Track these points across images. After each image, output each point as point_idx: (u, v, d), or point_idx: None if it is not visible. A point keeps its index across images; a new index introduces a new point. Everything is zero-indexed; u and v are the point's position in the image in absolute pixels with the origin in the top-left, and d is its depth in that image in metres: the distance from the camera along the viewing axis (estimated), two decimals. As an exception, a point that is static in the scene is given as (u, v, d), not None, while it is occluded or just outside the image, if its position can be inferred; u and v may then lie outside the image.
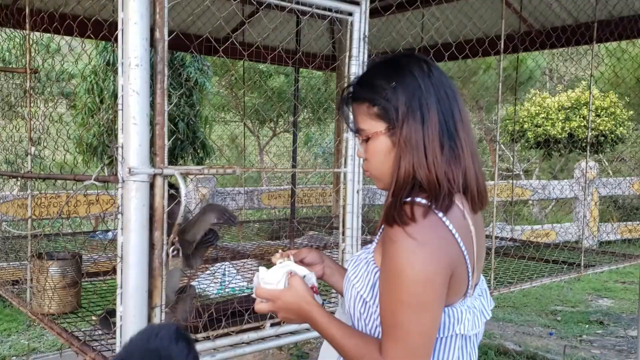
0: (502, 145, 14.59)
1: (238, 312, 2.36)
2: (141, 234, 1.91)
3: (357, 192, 2.53)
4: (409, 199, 1.30)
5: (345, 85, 1.55)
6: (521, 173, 15.07)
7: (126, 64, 1.88)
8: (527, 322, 6.99)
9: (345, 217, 2.52)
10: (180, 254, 2.02)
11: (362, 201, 2.54)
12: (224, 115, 12.38)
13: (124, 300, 1.92)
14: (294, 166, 4.14)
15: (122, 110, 1.89)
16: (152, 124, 1.94)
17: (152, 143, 1.98)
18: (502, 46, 3.15)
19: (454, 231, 1.28)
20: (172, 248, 2.00)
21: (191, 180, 8.23)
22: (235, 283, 6.30)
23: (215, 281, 5.69)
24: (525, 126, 12.91)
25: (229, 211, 2.18)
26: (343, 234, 2.55)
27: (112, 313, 2.15)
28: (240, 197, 8.33)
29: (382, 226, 1.38)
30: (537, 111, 12.85)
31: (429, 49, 3.29)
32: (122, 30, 1.89)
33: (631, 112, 12.56)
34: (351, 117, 1.47)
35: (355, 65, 2.50)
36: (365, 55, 2.52)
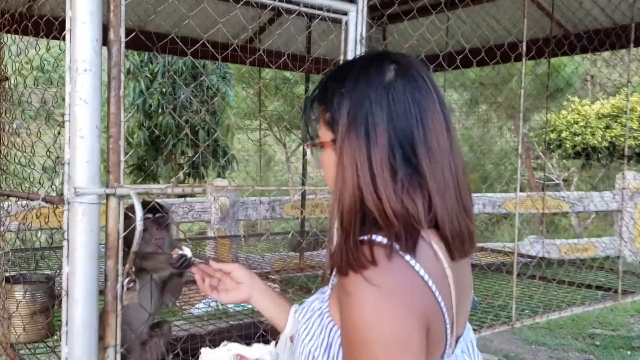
0: (539, 154, 14.07)
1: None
2: (90, 264, 1.66)
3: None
4: (365, 238, 1.02)
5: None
6: (561, 182, 14.50)
7: (73, 68, 1.64)
8: (562, 346, 6.54)
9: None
10: (138, 287, 1.76)
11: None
12: (249, 123, 12.22)
13: (69, 340, 1.67)
14: (303, 182, 3.86)
15: (68, 121, 1.65)
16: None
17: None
18: (525, 49, 2.83)
19: (426, 277, 0.99)
20: (127, 280, 1.75)
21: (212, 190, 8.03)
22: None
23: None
24: (563, 135, 12.38)
25: (185, 257, 1.88)
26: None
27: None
28: (262, 206, 8.10)
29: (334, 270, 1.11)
30: (575, 119, 12.30)
31: (455, 55, 3.00)
32: (70, 30, 1.65)
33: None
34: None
35: (352, 70, 2.22)
36: (364, 59, 2.24)
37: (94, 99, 1.64)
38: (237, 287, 1.41)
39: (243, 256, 7.31)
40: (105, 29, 1.69)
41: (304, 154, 3.84)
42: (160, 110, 7.66)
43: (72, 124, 1.64)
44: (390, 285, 0.96)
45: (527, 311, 3.29)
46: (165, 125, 7.65)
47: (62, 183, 1.67)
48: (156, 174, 8.13)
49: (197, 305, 5.21)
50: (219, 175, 8.63)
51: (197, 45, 2.26)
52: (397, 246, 0.99)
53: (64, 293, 1.67)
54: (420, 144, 1.06)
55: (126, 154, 1.73)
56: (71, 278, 1.66)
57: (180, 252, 1.86)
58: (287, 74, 9.94)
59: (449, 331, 1.04)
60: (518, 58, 3.54)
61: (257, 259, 7.02)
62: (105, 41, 1.70)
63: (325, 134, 1.15)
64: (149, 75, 7.69)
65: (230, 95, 8.59)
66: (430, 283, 0.99)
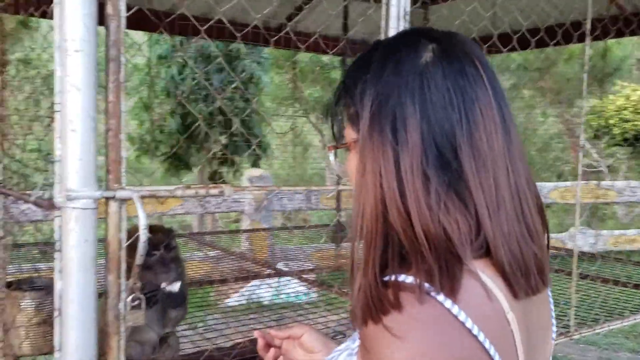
0: (585, 142, 13.44)
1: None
2: (85, 279, 1.41)
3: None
4: (390, 278, 0.76)
5: None
6: (605, 170, 13.86)
7: (62, 49, 1.38)
8: (612, 345, 6.15)
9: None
10: (144, 305, 1.51)
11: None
12: (285, 110, 11.96)
13: (63, 367, 1.44)
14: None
15: (59, 112, 1.40)
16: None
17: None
18: (589, 27, 2.46)
19: (469, 324, 0.72)
20: (131, 297, 1.50)
21: (247, 180, 7.83)
22: (291, 288, 5.82)
23: (269, 289, 5.24)
24: (612, 121, 11.77)
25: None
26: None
27: None
28: (297, 197, 7.86)
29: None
30: (624, 105, 11.66)
31: (512, 35, 2.67)
32: (59, 2, 1.39)
33: None
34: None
35: (394, 50, 1.91)
36: (407, 37, 1.93)
37: (87, 85, 1.39)
38: (310, 358, 1.18)
39: (278, 248, 7.10)
40: (101, 7, 1.43)
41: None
42: (193, 97, 7.46)
43: (62, 115, 1.39)
44: (420, 338, 0.71)
45: (583, 315, 2.96)
46: (198, 113, 7.45)
47: (53, 184, 1.43)
48: (188, 163, 7.95)
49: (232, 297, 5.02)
50: (254, 164, 8.42)
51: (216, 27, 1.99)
52: (428, 286, 0.73)
53: (56, 312, 1.43)
54: (463, 144, 0.80)
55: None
56: (64, 294, 1.41)
57: (168, 288, 1.64)
58: (325, 58, 9.64)
59: None
60: (570, 40, 3.18)
61: (295, 250, 6.80)
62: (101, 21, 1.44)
63: (349, 134, 0.93)
64: (180, 60, 7.49)
65: (265, 81, 8.35)
66: (475, 331, 0.72)
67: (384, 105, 0.82)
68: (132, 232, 1.52)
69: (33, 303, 2.13)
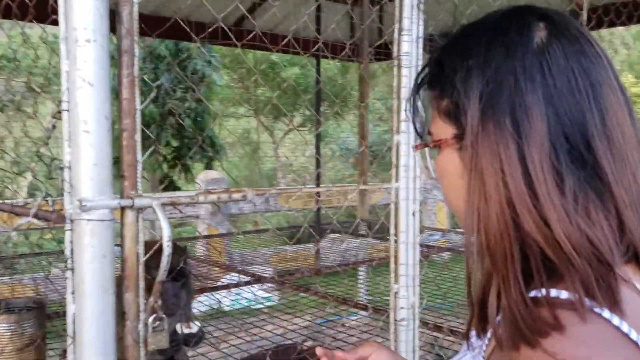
0: None
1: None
2: (103, 300, 1.24)
3: (414, 214, 1.84)
4: (538, 294, 0.66)
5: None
6: None
7: (71, 39, 1.21)
8: None
9: (399, 249, 1.84)
10: (166, 326, 1.35)
11: (419, 223, 1.86)
12: (234, 111, 11.72)
13: (79, 402, 1.26)
14: (318, 175, 3.46)
15: (67, 111, 1.22)
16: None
17: (118, 160, 1.32)
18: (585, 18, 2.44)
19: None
20: (152, 317, 1.34)
21: (198, 183, 7.60)
22: (251, 294, 5.66)
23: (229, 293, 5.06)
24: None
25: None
26: (395, 272, 1.87)
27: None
28: (255, 199, 7.68)
29: (488, 331, 0.77)
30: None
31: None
32: (65, -14, 1.22)
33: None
34: (424, 114, 0.89)
35: (408, 42, 1.81)
36: (421, 29, 1.84)
37: (101, 80, 1.22)
38: None
39: (238, 253, 6.92)
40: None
41: (318, 138, 3.42)
42: (142, 98, 7.12)
43: (72, 114, 1.21)
44: None
45: None
46: (148, 115, 7.14)
47: (62, 194, 1.25)
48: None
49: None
50: (206, 167, 8.19)
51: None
52: (589, 301, 0.62)
53: (69, 340, 1.26)
54: (596, 133, 0.69)
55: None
56: (79, 319, 1.24)
57: (188, 330, 1.49)
58: (274, 56, 9.48)
59: None
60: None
61: (253, 254, 6.63)
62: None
63: (442, 129, 0.81)
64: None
65: (216, 80, 8.13)
66: None
67: (499, 94, 0.71)
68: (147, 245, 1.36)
69: (9, 328, 1.92)
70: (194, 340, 1.60)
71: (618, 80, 0.75)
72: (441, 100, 0.80)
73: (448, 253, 5.19)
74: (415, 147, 0.89)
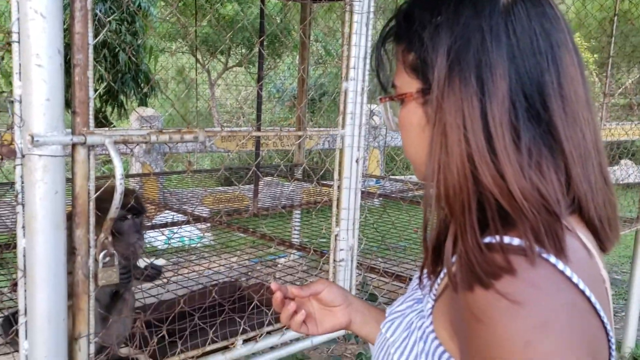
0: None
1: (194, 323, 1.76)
2: (54, 236, 1.25)
3: (357, 161, 1.91)
4: (492, 240, 0.71)
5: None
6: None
7: (22, -33, 1.16)
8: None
9: (341, 194, 1.91)
10: (116, 261, 1.38)
11: (362, 171, 1.93)
12: (170, 46, 11.33)
13: (29, 333, 1.28)
14: (259, 116, 3.46)
15: (17, 42, 1.19)
16: (69, 65, 1.25)
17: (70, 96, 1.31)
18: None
19: (583, 287, 0.69)
20: (103, 253, 1.36)
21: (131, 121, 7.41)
22: (185, 232, 5.68)
23: (162, 232, 5.05)
24: None
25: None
26: (337, 216, 1.94)
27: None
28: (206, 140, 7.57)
29: (440, 272, 0.83)
30: None
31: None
32: None
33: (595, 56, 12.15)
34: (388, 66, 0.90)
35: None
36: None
37: (54, 12, 1.19)
38: (330, 312, 1.13)
39: (169, 192, 6.84)
40: None
41: (260, 78, 3.37)
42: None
43: (23, 46, 1.18)
44: (540, 303, 0.66)
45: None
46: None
47: (12, 127, 1.23)
48: (69, 103, 7.29)
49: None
50: (141, 103, 7.96)
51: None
52: (538, 248, 0.69)
53: (20, 273, 1.26)
54: (552, 92, 0.75)
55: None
56: (29, 254, 1.25)
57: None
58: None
59: (613, 358, 0.76)
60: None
61: (187, 193, 6.59)
62: None
63: (407, 83, 0.83)
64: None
65: (153, 14, 7.81)
66: (588, 293, 0.69)
67: (466, 51, 0.75)
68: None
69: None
70: (153, 273, 1.63)
71: (573, 42, 0.80)
72: (408, 54, 0.83)
73: (380, 199, 5.35)
74: (380, 100, 0.91)
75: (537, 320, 0.65)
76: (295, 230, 5.20)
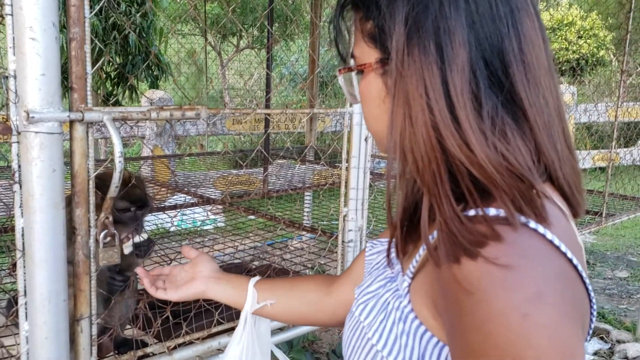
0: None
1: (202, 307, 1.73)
2: (53, 215, 1.22)
3: (365, 139, 1.86)
4: (474, 213, 0.68)
5: None
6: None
7: (14, -64, 1.12)
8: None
9: (350, 174, 1.87)
10: (117, 241, 1.35)
11: (372, 151, 1.88)
12: (181, 28, 11.27)
13: (29, 314, 1.26)
14: (267, 94, 3.41)
15: (11, 15, 1.15)
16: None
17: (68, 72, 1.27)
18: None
19: (565, 249, 0.67)
20: (104, 233, 1.33)
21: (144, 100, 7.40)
22: (198, 215, 5.68)
23: (174, 215, 5.05)
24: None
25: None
26: (345, 196, 1.90)
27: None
28: (200, 121, 7.54)
29: (420, 247, 0.79)
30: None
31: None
32: None
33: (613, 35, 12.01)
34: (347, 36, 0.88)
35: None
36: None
37: (47, -16, 1.15)
38: (190, 281, 1.25)
39: (180, 174, 6.84)
40: None
41: (269, 60, 3.32)
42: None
43: (17, 19, 1.15)
44: (529, 267, 0.63)
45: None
46: (90, 29, 6.78)
47: (6, 104, 1.20)
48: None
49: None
50: (152, 86, 7.92)
51: None
52: (523, 218, 0.66)
53: (18, 253, 1.24)
54: (514, 58, 0.72)
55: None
56: (28, 234, 1.22)
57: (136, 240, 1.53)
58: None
59: (593, 324, 0.75)
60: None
61: (199, 176, 6.58)
62: None
63: (366, 53, 0.80)
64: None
65: (163, -5, 7.75)
66: (570, 255, 0.67)
67: (424, 19, 0.71)
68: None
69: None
70: (144, 249, 1.60)
71: (534, 6, 0.76)
72: (366, 23, 0.79)
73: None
74: (339, 72, 0.87)
75: (531, 291, 0.61)
76: (305, 212, 5.18)
